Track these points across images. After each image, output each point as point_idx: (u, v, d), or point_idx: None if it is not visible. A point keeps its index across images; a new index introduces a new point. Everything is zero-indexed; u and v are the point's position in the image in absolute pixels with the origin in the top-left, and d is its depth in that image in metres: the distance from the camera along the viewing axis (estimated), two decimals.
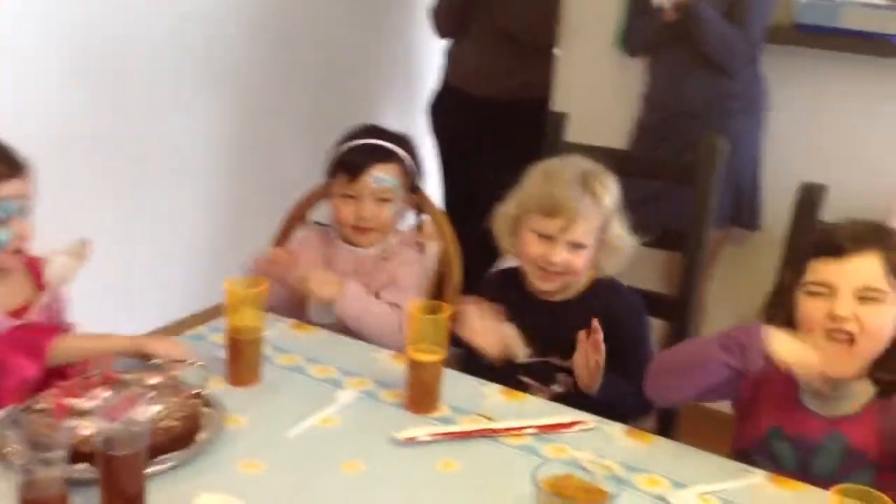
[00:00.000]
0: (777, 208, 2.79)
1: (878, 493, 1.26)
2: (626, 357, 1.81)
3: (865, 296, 1.46)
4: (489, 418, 1.62)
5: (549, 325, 1.89)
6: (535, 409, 1.69)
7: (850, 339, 1.49)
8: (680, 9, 2.57)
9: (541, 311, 1.91)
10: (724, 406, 1.71)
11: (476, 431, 1.57)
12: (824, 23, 2.67)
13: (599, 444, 1.58)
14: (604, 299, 1.90)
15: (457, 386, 1.71)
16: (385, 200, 2.07)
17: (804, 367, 1.49)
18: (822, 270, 1.49)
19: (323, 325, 2.00)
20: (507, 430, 1.58)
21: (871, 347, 1.50)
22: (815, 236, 1.61)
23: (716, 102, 2.68)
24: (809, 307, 1.51)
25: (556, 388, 1.89)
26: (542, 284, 1.90)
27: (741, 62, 2.64)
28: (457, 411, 1.65)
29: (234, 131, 3.58)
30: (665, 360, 1.61)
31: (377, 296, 2.04)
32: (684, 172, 2.14)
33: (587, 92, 3.03)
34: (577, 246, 1.86)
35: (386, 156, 2.08)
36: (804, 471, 1.56)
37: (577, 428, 1.62)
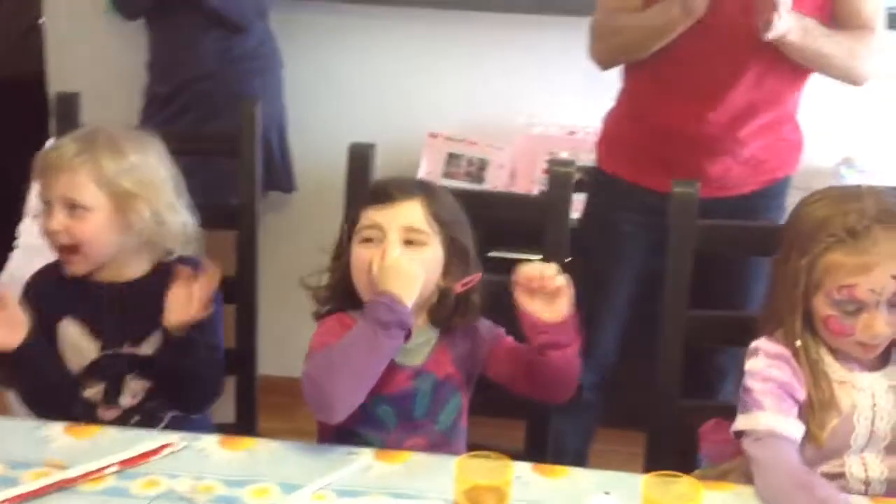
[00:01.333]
0: (308, 167, 2.77)
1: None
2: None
3: (410, 237, 1.56)
4: (61, 466, 1.37)
5: (114, 312, 1.69)
6: (112, 441, 1.46)
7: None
8: None
9: (103, 298, 1.70)
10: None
11: (45, 487, 1.32)
12: None
13: (194, 464, 1.41)
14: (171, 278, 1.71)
15: (11, 436, 1.42)
16: None
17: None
18: (373, 216, 1.58)
19: None
20: (84, 475, 1.35)
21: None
22: (369, 188, 1.70)
23: (231, 63, 2.57)
24: (363, 254, 1.57)
25: (125, 401, 1.69)
26: (68, 269, 1.69)
27: (250, 16, 2.55)
28: (18, 467, 1.37)
29: None
30: (328, 379, 1.46)
31: None
32: (224, 142, 1.99)
33: (86, 65, 2.76)
34: (75, 206, 1.64)
35: None
36: (408, 421, 1.58)
37: (165, 452, 1.43)
